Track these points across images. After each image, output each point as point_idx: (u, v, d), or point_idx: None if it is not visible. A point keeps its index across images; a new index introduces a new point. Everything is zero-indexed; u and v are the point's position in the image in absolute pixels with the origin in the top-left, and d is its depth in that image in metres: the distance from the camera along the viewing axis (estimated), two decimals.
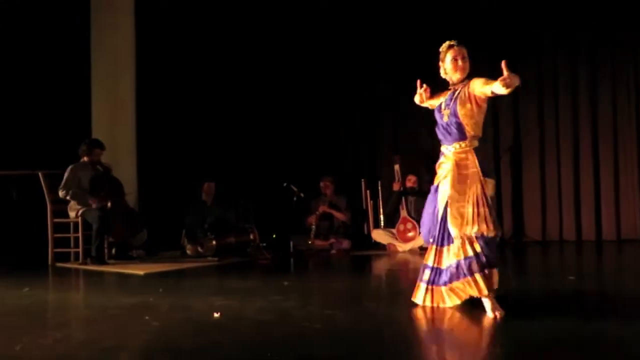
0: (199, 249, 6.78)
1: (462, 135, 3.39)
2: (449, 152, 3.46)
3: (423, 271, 3.51)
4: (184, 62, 7.89)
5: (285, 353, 2.62)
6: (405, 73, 8.06)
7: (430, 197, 3.57)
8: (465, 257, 3.22)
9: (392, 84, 8.18)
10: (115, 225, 6.35)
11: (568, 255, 7.03)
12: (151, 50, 7.76)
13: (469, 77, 3.42)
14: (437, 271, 3.41)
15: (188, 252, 6.93)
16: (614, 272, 5.73)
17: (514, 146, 7.96)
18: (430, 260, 3.46)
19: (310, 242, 7.41)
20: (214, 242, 6.69)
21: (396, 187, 7.54)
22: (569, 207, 7.79)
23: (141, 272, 5.52)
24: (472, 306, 3.37)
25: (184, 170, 8.01)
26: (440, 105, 3.48)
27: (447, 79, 3.50)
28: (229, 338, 2.92)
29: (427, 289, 3.47)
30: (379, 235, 7.51)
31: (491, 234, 3.21)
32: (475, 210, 3.23)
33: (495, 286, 3.19)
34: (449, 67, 3.44)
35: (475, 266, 3.19)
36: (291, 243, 7.25)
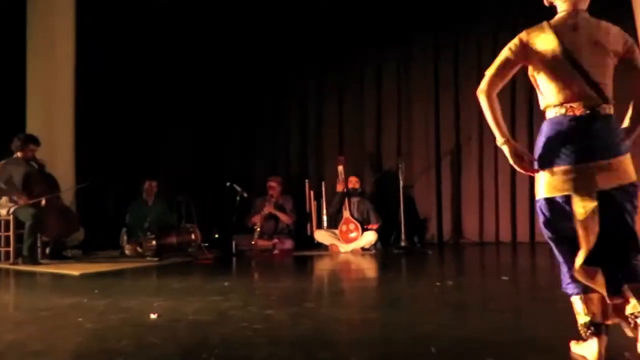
0: (139, 248, 6.64)
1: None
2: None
3: None
4: (123, 56, 7.71)
5: (222, 354, 2.59)
6: (349, 75, 8.27)
7: None
8: None
9: (337, 86, 8.27)
10: (50, 223, 6.14)
11: (503, 256, 7.26)
12: (91, 44, 7.54)
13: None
14: None
15: (127, 252, 6.78)
16: (546, 272, 5.95)
17: (455, 150, 8.16)
18: None
19: (253, 242, 7.37)
20: (154, 242, 6.57)
21: (339, 188, 7.59)
22: (506, 209, 8.04)
23: (76, 273, 5.36)
24: (417, 305, 3.43)
25: (125, 168, 7.83)
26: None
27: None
28: (165, 339, 2.87)
29: None
30: (322, 236, 7.55)
31: None
32: None
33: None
34: None
35: None
36: (233, 243, 7.19)
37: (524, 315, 3.50)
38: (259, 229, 7.44)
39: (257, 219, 7.51)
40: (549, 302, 3.91)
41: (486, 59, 8.01)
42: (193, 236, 6.96)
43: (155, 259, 6.44)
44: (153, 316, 3.33)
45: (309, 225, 8.06)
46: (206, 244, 7.20)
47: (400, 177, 7.55)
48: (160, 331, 3.03)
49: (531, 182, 7.93)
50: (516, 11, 7.84)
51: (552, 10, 2.39)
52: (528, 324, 3.23)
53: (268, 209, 7.57)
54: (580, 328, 2.29)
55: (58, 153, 7.15)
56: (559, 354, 2.41)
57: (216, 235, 7.73)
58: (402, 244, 7.34)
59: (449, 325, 3.17)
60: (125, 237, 7.00)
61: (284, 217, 7.64)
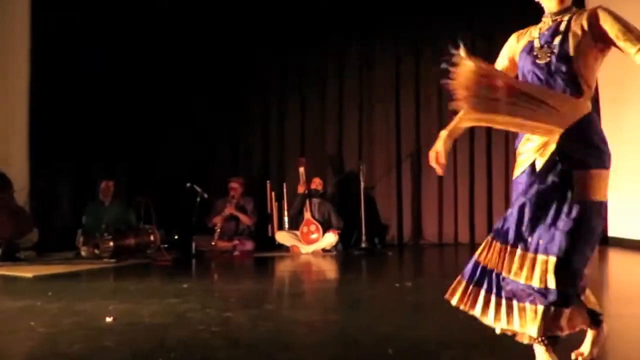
0: (95, 250, 6.49)
1: (575, 89, 2.14)
2: None
3: (472, 268, 2.38)
4: (80, 53, 7.52)
5: (179, 358, 2.55)
6: (311, 77, 8.27)
7: (523, 189, 2.22)
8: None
9: (299, 87, 8.26)
10: (1, 224, 5.94)
11: (462, 257, 7.36)
12: (46, 39, 7.35)
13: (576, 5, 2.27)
14: (497, 277, 2.25)
15: (83, 253, 6.61)
16: None
17: (415, 152, 8.25)
18: (483, 256, 2.33)
19: (213, 244, 7.30)
20: (111, 243, 6.44)
21: (301, 189, 7.58)
22: (464, 211, 8.17)
23: (29, 275, 5.21)
24: (377, 307, 3.45)
25: (81, 167, 7.66)
26: (531, 44, 2.25)
27: (542, 4, 2.28)
28: (120, 343, 2.81)
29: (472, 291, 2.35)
30: (283, 237, 7.52)
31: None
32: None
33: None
34: None
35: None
36: (193, 244, 7.10)
37: None
38: (219, 230, 7.37)
39: (217, 220, 7.44)
40: None
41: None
42: (152, 237, 6.85)
43: (112, 260, 6.31)
44: (108, 319, 3.26)
45: (270, 227, 8.02)
46: (165, 245, 7.09)
47: (362, 179, 7.59)
48: (115, 335, 2.97)
49: (489, 184, 8.11)
50: (475, 11, 8.02)
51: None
52: (484, 324, 3.28)
53: (229, 210, 7.51)
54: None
55: (11, 151, 6.94)
56: (515, 354, 2.46)
57: (175, 237, 7.61)
58: (363, 245, 7.38)
59: (408, 326, 3.20)
60: (81, 238, 6.82)
61: (244, 218, 7.59)
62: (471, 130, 8.07)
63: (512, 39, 2.38)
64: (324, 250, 7.29)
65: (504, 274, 2.18)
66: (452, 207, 8.19)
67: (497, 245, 2.24)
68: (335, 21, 8.06)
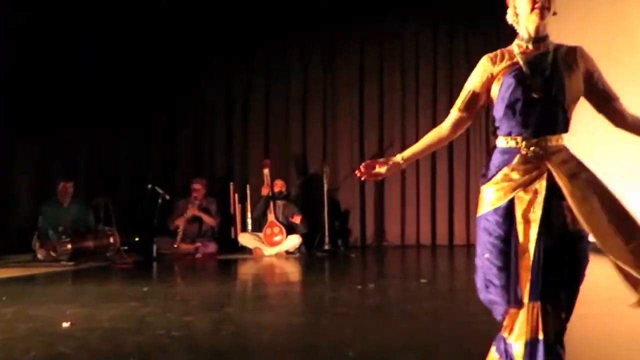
0: (52, 252, 6.34)
1: (566, 125, 2.07)
2: (536, 149, 2.04)
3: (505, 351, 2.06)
4: (32, 48, 7.30)
5: None
6: (275, 81, 8.26)
7: (492, 228, 2.05)
8: None
9: (264, 90, 8.24)
10: None
11: (423, 258, 7.47)
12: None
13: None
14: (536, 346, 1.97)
15: (40, 256, 6.46)
16: (462, 275, 6.17)
17: (378, 154, 8.32)
18: (518, 331, 2.01)
19: (175, 246, 7.21)
20: (69, 246, 6.31)
21: (265, 191, 7.55)
22: (426, 213, 8.28)
23: None
24: (339, 309, 3.46)
25: (40, 166, 7.47)
26: (517, 69, 2.05)
27: (517, 28, 2.12)
28: (77, 349, 2.76)
29: None
30: (246, 239, 7.49)
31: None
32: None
33: None
34: (523, 3, 2.03)
35: None
36: (155, 246, 7.00)
37: (440, 317, 3.62)
38: (181, 232, 7.29)
39: (180, 222, 7.36)
40: (465, 305, 4.07)
41: (409, 64, 8.26)
42: (111, 239, 6.74)
43: (70, 263, 6.18)
44: (65, 324, 3.20)
45: (233, 229, 7.97)
46: (125, 248, 6.98)
47: (325, 181, 7.62)
48: (72, 340, 2.92)
49: (450, 187, 8.24)
50: (438, 10, 8.14)
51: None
52: (445, 326, 3.34)
53: (192, 211, 7.43)
54: None
55: None
56: (475, 356, 2.50)
57: (136, 239, 7.50)
58: (326, 247, 7.40)
59: (368, 328, 3.23)
60: (37, 241, 6.65)
61: (208, 219, 7.53)
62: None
63: (486, 62, 2.13)
64: (287, 252, 7.28)
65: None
66: (414, 209, 8.29)
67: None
68: (298, 22, 8.07)
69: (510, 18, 2.10)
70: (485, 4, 7.55)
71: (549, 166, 2.01)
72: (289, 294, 4.87)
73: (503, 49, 2.15)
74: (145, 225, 7.31)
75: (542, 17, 2.01)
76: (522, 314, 1.99)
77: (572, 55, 2.06)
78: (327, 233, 7.47)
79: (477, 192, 2.23)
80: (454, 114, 2.20)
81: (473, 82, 2.15)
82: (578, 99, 2.06)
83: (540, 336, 1.95)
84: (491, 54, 2.15)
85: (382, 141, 8.34)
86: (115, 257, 6.58)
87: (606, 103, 2.08)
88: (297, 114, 8.31)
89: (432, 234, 8.29)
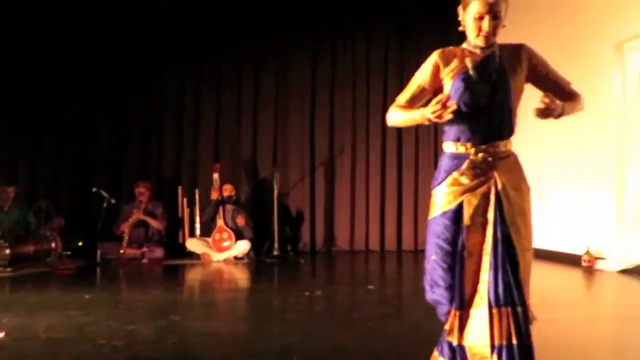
0: None
1: (511, 129, 2.17)
2: (484, 155, 2.11)
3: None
4: None
5: None
6: (226, 82, 8.18)
7: (440, 231, 2.14)
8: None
9: (214, 92, 8.14)
10: None
11: (372, 264, 7.53)
12: None
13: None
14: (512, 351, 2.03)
15: None
16: (410, 281, 6.25)
17: (329, 160, 8.35)
18: (473, 332, 2.10)
19: (121, 251, 7.04)
20: (7, 251, 6.06)
21: (214, 195, 7.46)
22: (375, 219, 8.37)
23: None
24: (286, 316, 3.44)
25: None
26: (465, 73, 2.13)
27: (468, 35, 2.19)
28: None
29: None
30: (194, 244, 7.37)
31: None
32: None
33: None
34: (469, 24, 2.12)
35: None
36: (99, 251, 6.81)
37: (387, 324, 3.65)
38: (127, 237, 7.12)
39: (125, 227, 7.19)
40: (412, 311, 4.12)
41: (360, 69, 8.34)
42: (53, 244, 6.51)
43: (8, 269, 5.94)
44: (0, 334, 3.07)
45: (181, 233, 7.84)
46: (68, 253, 6.76)
47: (275, 186, 7.59)
48: (6, 351, 2.80)
49: (399, 192, 8.35)
50: (390, 18, 8.26)
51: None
52: (391, 332, 3.37)
53: (137, 215, 7.27)
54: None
55: None
56: None
57: (80, 243, 7.28)
58: (275, 253, 7.37)
59: (315, 335, 3.23)
60: None
61: (154, 223, 7.38)
62: (382, 139, 8.30)
63: (437, 59, 2.19)
64: (235, 258, 7.21)
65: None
66: (364, 215, 8.36)
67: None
68: (250, 27, 8.03)
69: (462, 27, 2.18)
70: (435, 13, 7.75)
71: (496, 174, 2.10)
72: (236, 301, 4.82)
73: (455, 48, 2.22)
74: (89, 229, 7.12)
75: (485, 42, 2.12)
76: (487, 319, 2.02)
77: (516, 55, 2.15)
78: (276, 239, 7.43)
79: (426, 198, 2.30)
80: (398, 104, 2.26)
81: (422, 78, 2.21)
82: (521, 97, 2.17)
83: (515, 341, 2.01)
84: (443, 51, 2.21)
85: (332, 147, 8.38)
86: (57, 262, 6.36)
87: (560, 91, 2.18)
88: (248, 119, 8.26)
89: (380, 240, 8.38)
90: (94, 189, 6.99)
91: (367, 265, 7.50)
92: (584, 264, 6.08)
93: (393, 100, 2.34)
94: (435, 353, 2.20)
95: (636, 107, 5.92)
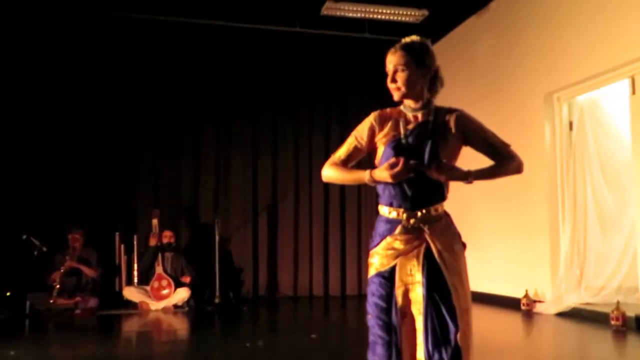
0: None
1: (441, 195, 2.20)
2: (416, 220, 2.14)
3: None
4: None
5: None
6: (166, 127, 8.05)
7: (375, 289, 2.17)
8: None
9: (154, 136, 7.98)
10: None
11: (316, 311, 7.44)
12: None
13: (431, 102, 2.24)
14: None
15: None
16: (353, 327, 6.20)
17: (272, 205, 8.30)
18: None
19: (52, 301, 6.69)
20: None
21: (153, 242, 7.26)
22: (319, 264, 8.32)
23: None
24: None
25: None
26: (397, 140, 2.18)
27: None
28: None
29: None
30: (131, 293, 7.09)
31: None
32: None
33: None
34: (388, 81, 2.21)
35: None
36: (28, 302, 6.45)
37: None
38: (58, 286, 6.78)
39: (56, 275, 6.85)
40: None
41: (303, 120, 8.42)
42: None
43: None
44: None
45: (117, 281, 7.54)
46: None
47: (217, 232, 7.46)
48: None
49: (342, 238, 8.36)
50: (326, 80, 8.44)
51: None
52: None
53: (69, 263, 6.96)
54: None
55: None
56: None
57: (8, 294, 6.88)
58: (216, 300, 7.19)
59: None
60: None
61: (88, 271, 7.08)
62: (325, 187, 8.33)
63: (374, 122, 2.23)
64: (175, 306, 6.99)
65: None
66: (307, 260, 8.32)
67: None
68: (193, 73, 7.99)
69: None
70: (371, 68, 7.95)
71: (428, 238, 2.13)
72: (174, 355, 4.62)
73: (392, 110, 2.25)
74: (18, 278, 6.75)
75: (397, 96, 2.19)
76: None
77: (448, 124, 2.17)
78: (217, 285, 7.26)
79: (369, 242, 2.29)
80: (335, 161, 2.28)
81: (358, 139, 2.26)
82: (455, 160, 2.19)
83: None
84: (379, 113, 2.25)
85: (275, 193, 8.34)
86: None
87: (496, 155, 2.21)
88: (189, 164, 8.12)
89: (324, 285, 8.33)
90: (24, 236, 6.67)
91: (311, 311, 7.41)
92: (522, 307, 6.20)
93: (335, 146, 2.36)
94: None
95: (566, 156, 6.19)
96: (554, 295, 5.98)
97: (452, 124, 2.17)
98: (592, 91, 6.02)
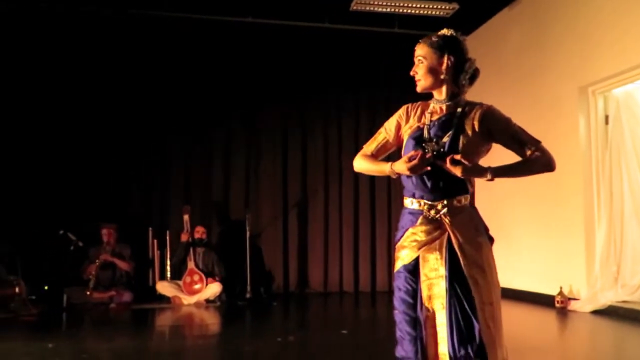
0: None
1: (463, 186, 2.18)
2: (437, 211, 2.16)
3: None
4: None
5: None
6: (197, 122, 8.13)
7: (402, 284, 2.20)
8: None
9: (185, 133, 8.07)
10: None
11: (346, 306, 7.44)
12: None
13: (456, 95, 2.23)
14: None
15: None
16: (384, 323, 6.18)
17: (302, 201, 8.32)
18: None
19: (88, 293, 6.84)
20: None
21: (184, 237, 7.35)
22: (349, 260, 8.32)
23: None
24: None
25: None
26: (420, 132, 2.21)
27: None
28: None
29: None
30: (164, 288, 7.20)
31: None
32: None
33: None
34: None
35: None
36: (65, 296, 6.61)
37: None
38: (94, 279, 6.93)
39: (91, 268, 7.00)
40: (384, 358, 4.05)
41: (332, 113, 8.43)
42: (17, 289, 6.29)
43: None
44: None
45: (151, 276, 7.66)
46: (33, 298, 6.55)
47: (247, 227, 7.51)
48: None
49: (372, 233, 8.34)
50: (357, 76, 8.41)
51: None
52: None
53: (104, 256, 7.09)
54: None
55: None
56: None
57: (45, 287, 7.06)
58: (247, 295, 7.24)
59: None
60: None
61: (122, 264, 7.21)
62: (355, 182, 8.32)
63: (402, 112, 2.31)
64: (207, 301, 7.07)
65: None
66: (337, 256, 8.31)
67: None
68: (222, 69, 8.06)
69: None
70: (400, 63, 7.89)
71: (448, 229, 2.13)
72: (205, 349, 4.68)
73: (422, 103, 2.29)
74: (55, 273, 6.92)
75: (419, 87, 2.24)
76: None
77: (473, 119, 2.17)
78: (248, 281, 7.32)
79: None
80: (365, 152, 2.37)
81: (387, 131, 2.33)
82: (480, 158, 2.18)
83: None
84: (409, 107, 2.31)
85: (305, 188, 8.36)
86: (20, 308, 6.14)
87: (523, 151, 2.16)
88: (220, 160, 8.19)
89: (354, 281, 8.32)
90: (61, 232, 6.83)
91: (340, 307, 7.41)
92: (557, 304, 6.10)
93: (364, 140, 2.45)
94: None
95: (602, 150, 6.05)
96: (590, 293, 5.86)
97: (476, 119, 2.16)
98: (629, 84, 5.86)
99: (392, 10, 7.21)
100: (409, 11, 7.23)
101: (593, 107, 6.13)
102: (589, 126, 6.13)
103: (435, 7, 7.12)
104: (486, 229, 2.21)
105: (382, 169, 2.25)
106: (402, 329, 2.15)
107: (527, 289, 6.74)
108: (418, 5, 7.11)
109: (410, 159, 2.09)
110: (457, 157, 2.06)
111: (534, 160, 2.14)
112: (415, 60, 2.21)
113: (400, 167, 2.12)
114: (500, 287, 2.16)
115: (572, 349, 4.65)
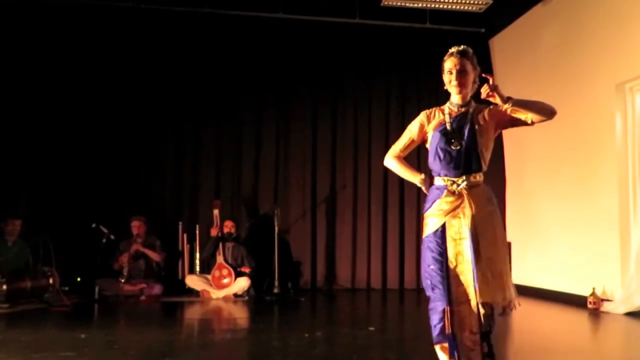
0: None
1: (479, 167, 2.83)
2: (458, 185, 2.79)
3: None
4: None
5: None
6: (227, 117, 8.20)
7: (434, 247, 2.81)
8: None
9: (215, 128, 8.14)
10: None
11: (373, 303, 7.42)
12: None
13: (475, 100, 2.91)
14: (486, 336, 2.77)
15: None
16: (412, 321, 6.15)
17: (330, 197, 8.32)
18: (461, 324, 2.77)
19: (122, 280, 6.99)
20: (4, 286, 6.01)
21: (214, 232, 7.42)
22: (377, 257, 8.28)
23: None
24: None
25: None
26: (443, 126, 2.86)
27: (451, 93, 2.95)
28: None
29: None
30: (193, 281, 7.29)
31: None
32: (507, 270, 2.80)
33: None
34: (444, 78, 2.88)
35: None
36: (97, 288, 6.74)
37: None
38: (126, 269, 7.06)
39: (124, 258, 7.13)
40: (412, 356, 4.03)
41: (362, 106, 8.41)
42: (51, 280, 6.44)
43: (5, 305, 5.87)
44: None
45: (180, 270, 7.75)
46: (66, 289, 6.69)
47: (276, 223, 7.54)
48: None
49: (401, 230, 8.29)
50: (387, 73, 8.37)
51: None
52: None
53: (136, 247, 7.21)
54: None
55: None
56: None
57: (78, 279, 7.22)
58: (275, 290, 7.27)
59: None
60: None
61: (153, 255, 7.31)
62: (385, 178, 8.27)
63: (423, 116, 2.98)
64: (235, 295, 7.13)
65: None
66: (365, 253, 8.29)
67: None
68: (252, 64, 8.11)
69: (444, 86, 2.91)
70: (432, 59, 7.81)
71: (466, 199, 2.76)
72: (234, 343, 4.71)
73: (437, 108, 2.96)
74: (88, 265, 7.05)
75: (458, 91, 2.84)
76: (469, 312, 2.70)
77: (484, 113, 2.86)
78: (276, 276, 7.35)
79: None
80: (395, 152, 3.06)
81: (413, 132, 3.01)
82: (490, 145, 2.87)
83: (484, 329, 2.72)
84: (427, 112, 2.98)
85: (334, 184, 8.35)
86: (53, 299, 6.28)
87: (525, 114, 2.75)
88: (249, 155, 8.24)
89: (382, 278, 8.28)
90: (94, 225, 6.96)
91: (368, 304, 7.39)
92: (589, 305, 5.98)
93: (393, 140, 3.13)
94: (437, 346, 2.79)
95: (638, 148, 5.90)
96: (624, 294, 5.72)
97: (485, 113, 2.86)
98: None
99: (424, 5, 7.14)
100: (441, 6, 7.14)
101: (630, 104, 5.99)
102: (626, 123, 5.99)
103: (468, 2, 7.03)
104: (496, 202, 2.84)
105: (409, 177, 3.00)
106: (436, 280, 2.76)
107: (557, 289, 6.62)
108: (451, 0, 7.02)
109: (424, 182, 2.92)
110: (495, 84, 2.65)
111: (542, 104, 2.72)
112: (457, 70, 2.81)
113: (420, 185, 2.93)
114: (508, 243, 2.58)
115: (605, 352, 4.55)
